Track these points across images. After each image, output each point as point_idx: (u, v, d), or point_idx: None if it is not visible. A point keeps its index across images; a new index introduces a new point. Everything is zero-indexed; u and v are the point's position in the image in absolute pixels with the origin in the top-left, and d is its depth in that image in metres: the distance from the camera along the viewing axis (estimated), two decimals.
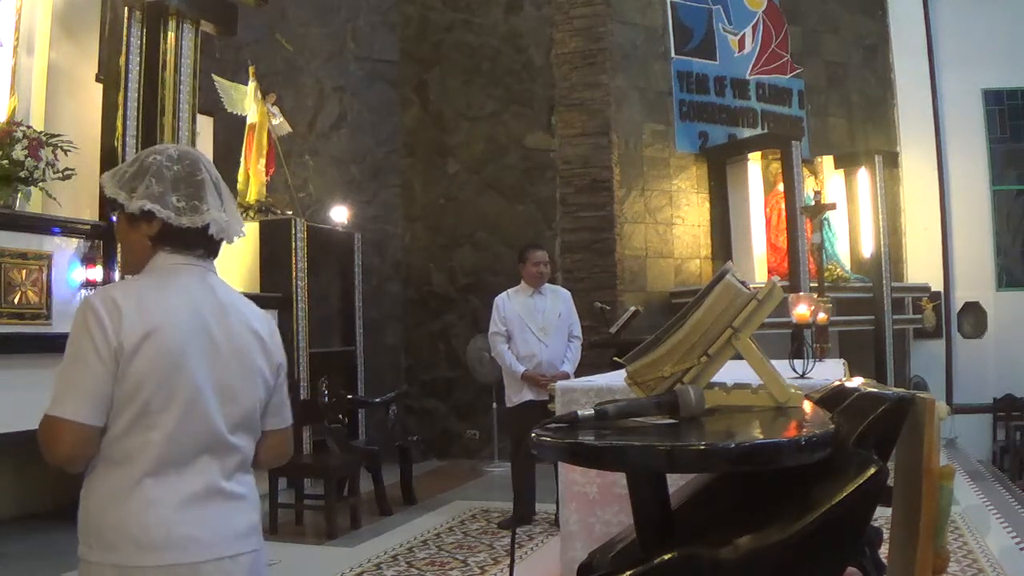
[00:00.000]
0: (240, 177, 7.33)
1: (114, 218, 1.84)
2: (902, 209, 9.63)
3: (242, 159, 7.32)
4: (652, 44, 8.60)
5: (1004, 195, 9.68)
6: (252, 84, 7.31)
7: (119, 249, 5.15)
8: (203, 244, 1.76)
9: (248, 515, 1.72)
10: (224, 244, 1.82)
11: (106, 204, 4.37)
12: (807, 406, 1.89)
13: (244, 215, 7.23)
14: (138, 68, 5.22)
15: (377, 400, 6.76)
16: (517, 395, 5.55)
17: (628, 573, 1.61)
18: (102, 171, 5.35)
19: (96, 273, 5.23)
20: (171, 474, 1.61)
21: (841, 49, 9.71)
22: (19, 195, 4.93)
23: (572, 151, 8.08)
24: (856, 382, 2.00)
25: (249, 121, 7.29)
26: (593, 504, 3.60)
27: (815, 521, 1.53)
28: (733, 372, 2.13)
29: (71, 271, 5.16)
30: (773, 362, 1.95)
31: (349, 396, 6.79)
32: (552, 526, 5.32)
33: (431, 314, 8.52)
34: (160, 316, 1.63)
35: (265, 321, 1.84)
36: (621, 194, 8.14)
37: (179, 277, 1.72)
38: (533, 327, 5.54)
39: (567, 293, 5.75)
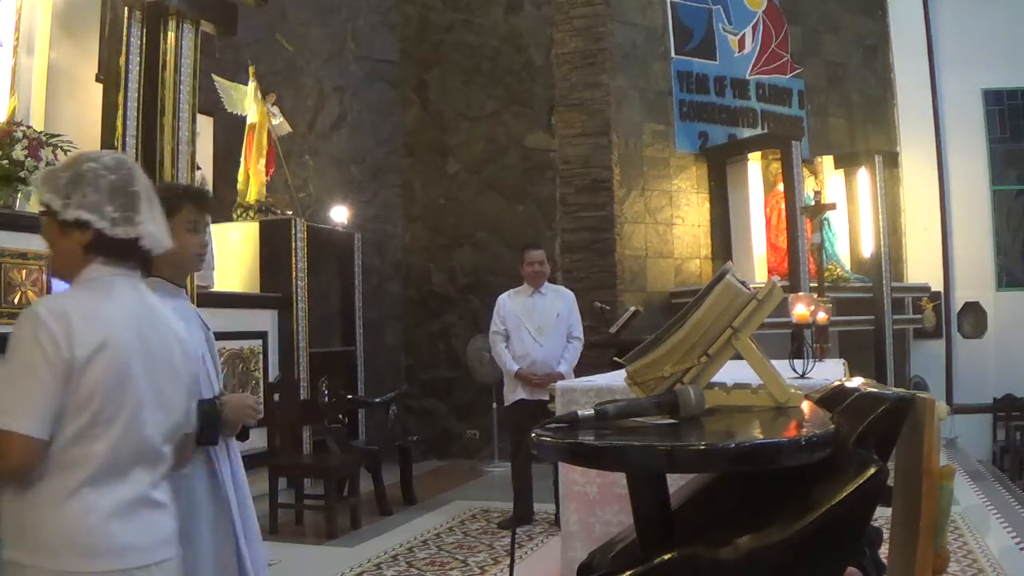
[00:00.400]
0: (240, 177, 7.34)
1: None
2: (902, 209, 9.62)
3: (242, 159, 7.33)
4: (652, 44, 8.60)
5: (1004, 195, 9.68)
6: (252, 84, 7.32)
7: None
8: (134, 255, 1.78)
9: (170, 522, 1.77)
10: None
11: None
12: (807, 406, 1.89)
13: (244, 215, 7.24)
14: (138, 68, 5.21)
15: (377, 400, 6.76)
16: (513, 394, 5.56)
17: (628, 573, 1.61)
18: None
19: None
20: (110, 483, 1.64)
21: (841, 49, 9.70)
22: (19, 195, 4.93)
23: (572, 151, 8.08)
24: (856, 382, 2.00)
25: (249, 121, 7.30)
26: (593, 504, 3.60)
27: (815, 521, 1.53)
28: (733, 372, 2.13)
29: None
30: (773, 362, 1.95)
31: (349, 396, 6.79)
32: (552, 526, 5.32)
33: (431, 314, 8.52)
34: (107, 329, 1.66)
35: (186, 333, 1.90)
36: (621, 194, 8.14)
37: (116, 289, 1.74)
38: (529, 326, 5.54)
39: (570, 294, 5.74)
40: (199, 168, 5.82)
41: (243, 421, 2.39)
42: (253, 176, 7.30)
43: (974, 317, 9.56)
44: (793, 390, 1.90)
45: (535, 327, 5.54)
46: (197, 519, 2.23)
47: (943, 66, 9.70)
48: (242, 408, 2.37)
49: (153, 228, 1.77)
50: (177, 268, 2.41)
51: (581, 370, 5.40)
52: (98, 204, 1.70)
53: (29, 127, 4.95)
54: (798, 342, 3.68)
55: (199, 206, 2.39)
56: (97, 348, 1.62)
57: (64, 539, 1.59)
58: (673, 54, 8.72)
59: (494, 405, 7.41)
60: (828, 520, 1.54)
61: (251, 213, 7.23)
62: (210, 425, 2.26)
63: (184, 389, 1.83)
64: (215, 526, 2.28)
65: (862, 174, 8.77)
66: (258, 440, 5.69)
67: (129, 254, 1.76)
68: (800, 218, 8.06)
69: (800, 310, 3.82)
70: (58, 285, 5.26)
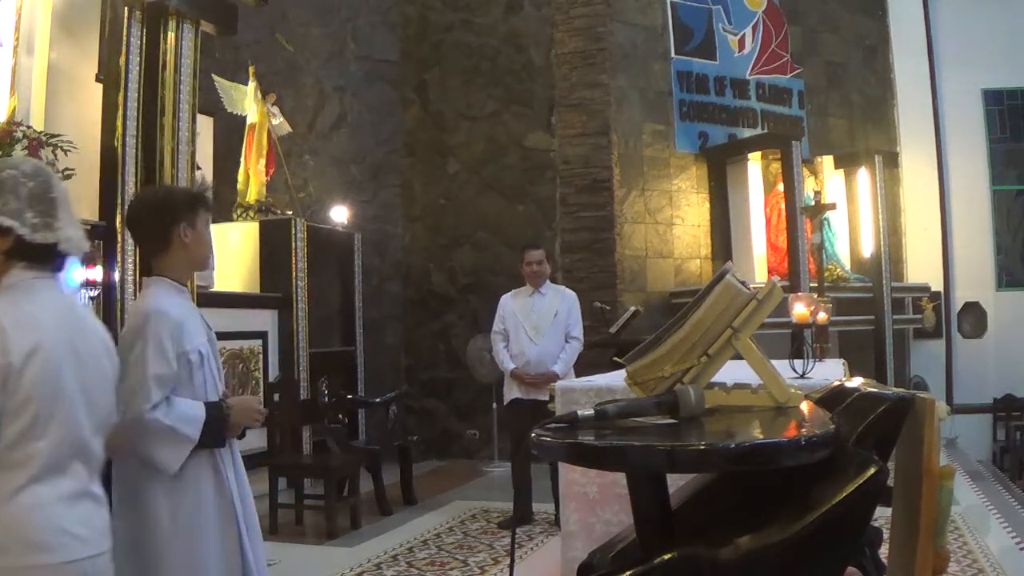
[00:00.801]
0: (240, 177, 7.34)
1: None
2: (902, 209, 9.62)
3: (242, 159, 7.33)
4: (652, 44, 8.60)
5: (1004, 195, 9.68)
6: (252, 84, 7.31)
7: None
8: (53, 259, 1.85)
9: (106, 515, 1.85)
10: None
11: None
12: (807, 406, 1.89)
13: (244, 215, 7.24)
14: (138, 68, 5.21)
15: (377, 400, 6.75)
16: (509, 394, 5.57)
17: (628, 573, 1.61)
18: (102, 171, 5.37)
19: (96, 273, 5.22)
20: (52, 479, 1.70)
21: (841, 49, 9.70)
22: None
23: (572, 151, 8.08)
24: (856, 382, 2.00)
25: (249, 121, 7.30)
26: (593, 504, 3.60)
27: (815, 521, 1.53)
28: (733, 372, 2.13)
29: (71, 271, 5.16)
30: (773, 362, 1.95)
31: (349, 396, 6.79)
32: (552, 526, 5.32)
33: (431, 314, 8.52)
34: (38, 333, 1.72)
35: (105, 330, 1.97)
36: (621, 194, 8.14)
37: (39, 293, 1.80)
38: (527, 326, 5.54)
39: (571, 294, 5.72)
40: (199, 168, 5.81)
41: (248, 424, 2.43)
42: (253, 176, 7.30)
43: (974, 317, 9.56)
44: (793, 390, 1.90)
45: (532, 326, 5.54)
46: (203, 518, 2.28)
47: (943, 66, 9.70)
48: (247, 412, 2.43)
49: (71, 232, 1.85)
50: (190, 267, 2.50)
51: (581, 370, 5.40)
52: (19, 211, 1.77)
53: (29, 127, 4.95)
54: (798, 342, 3.68)
55: (208, 206, 2.47)
56: (30, 352, 1.68)
57: (14, 536, 1.64)
58: (673, 54, 8.72)
59: (494, 405, 7.41)
60: (828, 520, 1.53)
61: (251, 213, 7.23)
62: (216, 429, 2.29)
63: (110, 385, 1.90)
64: (221, 524, 2.32)
65: (862, 174, 8.77)
66: (258, 440, 5.70)
67: (48, 258, 1.83)
68: (800, 218, 8.06)
69: (800, 310, 3.82)
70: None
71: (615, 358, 4.45)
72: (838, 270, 8.48)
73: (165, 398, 2.22)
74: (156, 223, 2.36)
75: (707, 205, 8.78)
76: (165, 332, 2.24)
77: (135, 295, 5.05)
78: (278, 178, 7.61)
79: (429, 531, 5.44)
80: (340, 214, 7.83)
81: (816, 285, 7.81)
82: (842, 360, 5.00)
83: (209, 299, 5.68)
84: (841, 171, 8.95)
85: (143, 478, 2.24)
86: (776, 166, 8.50)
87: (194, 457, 2.26)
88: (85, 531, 1.73)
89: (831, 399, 1.92)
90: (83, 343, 1.82)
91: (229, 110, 7.32)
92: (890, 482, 1.68)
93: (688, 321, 1.86)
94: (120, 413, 2.23)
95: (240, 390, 6.18)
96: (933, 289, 9.29)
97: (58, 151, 5.03)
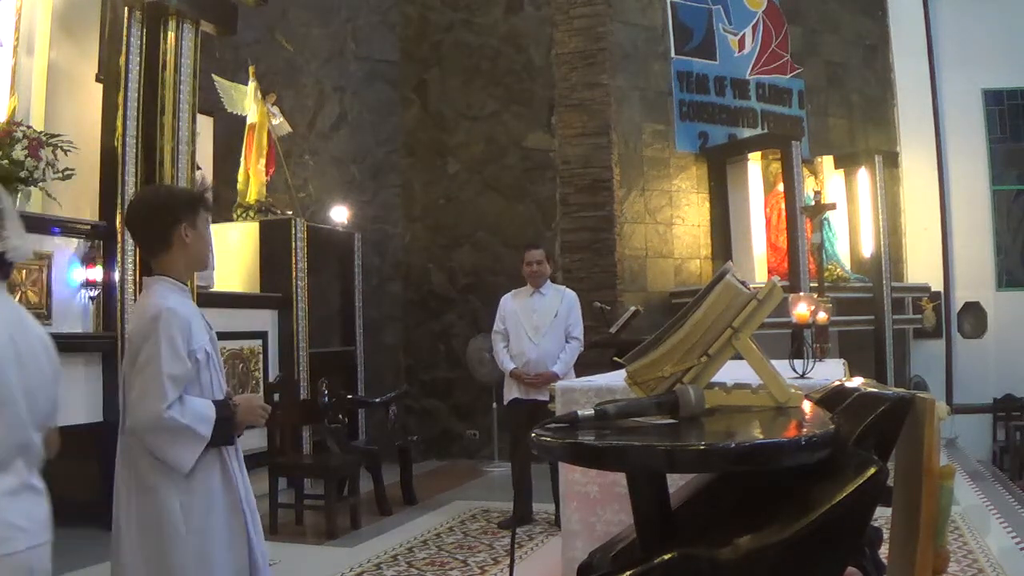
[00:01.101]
0: (240, 177, 7.34)
1: None
2: (902, 209, 9.63)
3: (242, 159, 7.33)
4: (652, 44, 8.60)
5: (1004, 195, 9.68)
6: (252, 84, 7.32)
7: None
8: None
9: (46, 507, 1.88)
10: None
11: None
12: (807, 406, 1.89)
13: (244, 215, 7.24)
14: (138, 68, 5.22)
15: (377, 400, 6.76)
16: (509, 394, 5.57)
17: (628, 573, 1.61)
18: (102, 171, 5.38)
19: (96, 273, 5.23)
20: None
21: (841, 49, 9.70)
22: (19, 195, 4.93)
23: (572, 151, 8.08)
24: (856, 382, 2.00)
25: (249, 121, 7.30)
26: (594, 503, 3.60)
27: (815, 521, 1.53)
28: (733, 372, 2.13)
29: (71, 271, 5.16)
30: (773, 362, 1.95)
31: (349, 396, 6.79)
32: (552, 526, 5.32)
33: (431, 314, 8.52)
34: None
35: (45, 332, 2.01)
36: (621, 194, 8.14)
37: None
38: (527, 326, 5.54)
39: (572, 294, 5.71)
40: (199, 168, 5.82)
41: (253, 423, 2.45)
42: (253, 176, 7.30)
43: (974, 317, 9.56)
44: (793, 390, 1.90)
45: (532, 327, 5.53)
46: (213, 514, 2.32)
47: (943, 66, 9.71)
48: (253, 410, 2.46)
49: (18, 242, 1.91)
50: (191, 267, 2.52)
51: (581, 370, 5.39)
52: None
53: (29, 127, 4.96)
54: (798, 342, 3.68)
55: (208, 206, 2.48)
56: None
57: None
58: (673, 54, 8.72)
59: (494, 405, 7.41)
60: (828, 520, 1.53)
61: (251, 213, 7.23)
62: (225, 427, 2.31)
63: (50, 384, 1.93)
64: (229, 520, 2.35)
65: (862, 174, 8.77)
66: (258, 440, 5.70)
67: None
68: (800, 218, 8.07)
69: (800, 310, 3.81)
70: (57, 286, 5.23)
71: (615, 358, 4.45)
72: (838, 270, 8.49)
73: (178, 397, 2.23)
74: (157, 223, 2.37)
75: (707, 205, 8.78)
76: (176, 330, 2.26)
77: (135, 295, 5.05)
78: (278, 178, 7.61)
79: (429, 531, 5.44)
80: (340, 214, 7.83)
81: (816, 285, 7.82)
82: (842, 360, 5.00)
83: (209, 299, 5.69)
84: (841, 171, 8.95)
85: (154, 476, 2.26)
86: (776, 166, 8.50)
87: (203, 455, 2.29)
88: (26, 522, 1.77)
89: (831, 399, 1.92)
90: (24, 344, 1.86)
91: (229, 110, 7.33)
92: (890, 482, 1.68)
93: (688, 321, 1.86)
94: (129, 415, 2.25)
95: (240, 390, 6.18)
96: (933, 289, 9.30)
97: (58, 151, 5.03)
